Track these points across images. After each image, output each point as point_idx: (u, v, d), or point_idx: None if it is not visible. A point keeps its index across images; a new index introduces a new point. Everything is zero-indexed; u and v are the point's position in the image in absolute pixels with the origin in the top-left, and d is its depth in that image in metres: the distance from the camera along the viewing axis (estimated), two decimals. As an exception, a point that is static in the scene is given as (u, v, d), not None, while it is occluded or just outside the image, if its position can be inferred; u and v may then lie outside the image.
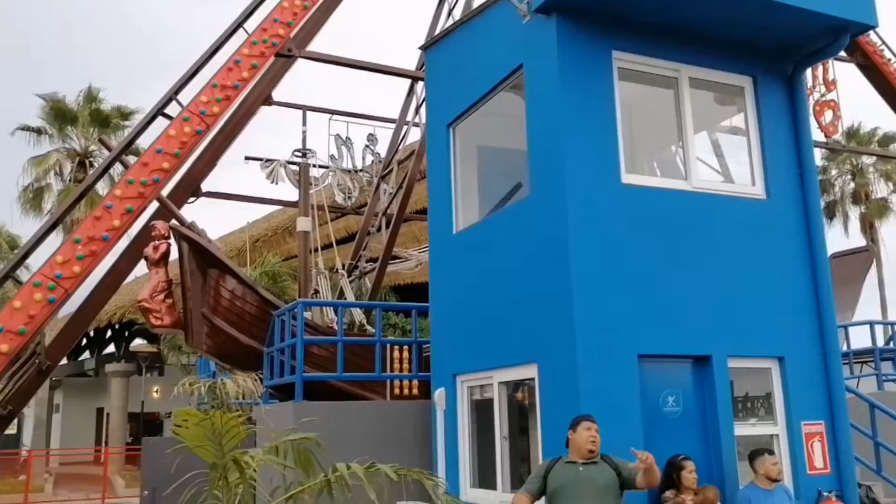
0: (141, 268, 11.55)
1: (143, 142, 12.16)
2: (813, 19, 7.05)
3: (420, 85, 14.63)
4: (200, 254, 10.24)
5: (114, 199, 10.09)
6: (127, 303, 25.91)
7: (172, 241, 10.19)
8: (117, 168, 12.40)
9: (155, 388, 36.20)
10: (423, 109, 13.60)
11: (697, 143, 7.67)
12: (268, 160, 14.86)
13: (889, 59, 16.74)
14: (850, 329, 13.93)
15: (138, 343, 34.52)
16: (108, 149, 12.16)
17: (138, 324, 26.25)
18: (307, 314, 10.97)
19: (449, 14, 15.44)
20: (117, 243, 10.43)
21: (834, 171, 38.17)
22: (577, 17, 6.83)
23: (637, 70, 7.23)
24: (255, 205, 17.35)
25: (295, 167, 14.80)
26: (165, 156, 10.33)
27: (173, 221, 10.46)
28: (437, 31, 14.94)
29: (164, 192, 10.83)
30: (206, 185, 12.19)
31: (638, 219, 6.70)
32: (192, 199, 11.81)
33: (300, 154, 14.74)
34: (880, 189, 37.71)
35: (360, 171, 16.42)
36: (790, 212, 7.48)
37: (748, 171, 7.63)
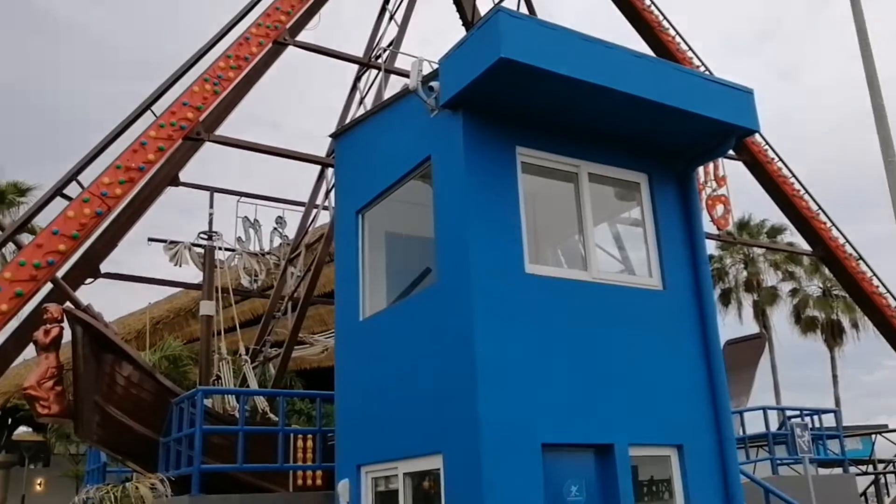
0: (29, 351, 10.95)
1: (41, 220, 11.73)
2: (701, 123, 7.54)
3: (330, 171, 14.74)
4: (95, 338, 9.82)
5: (3, 281, 9.60)
6: (11, 388, 24.34)
7: (65, 324, 9.74)
8: (10, 248, 11.86)
9: (38, 481, 33.80)
10: (332, 194, 13.67)
11: (600, 233, 7.98)
12: (172, 242, 14.54)
13: (773, 159, 17.99)
14: (745, 414, 14.42)
15: (22, 431, 32.34)
16: (1, 228, 11.65)
17: (23, 410, 24.69)
18: (207, 402, 10.58)
19: (360, 103, 15.76)
20: (4, 327, 9.88)
21: (728, 261, 40.04)
22: (482, 113, 7.09)
23: (539, 165, 7.51)
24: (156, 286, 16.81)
25: (200, 249, 14.52)
26: (62, 237, 9.96)
27: (67, 304, 10.02)
28: (348, 119, 15.21)
29: (60, 271, 10.40)
30: (105, 265, 11.77)
31: (541, 308, 6.85)
32: (89, 280, 11.35)
33: (206, 236, 14.49)
34: (770, 278, 39.72)
35: (268, 253, 16.25)
36: (685, 302, 7.80)
37: (646, 262, 7.95)
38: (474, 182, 6.93)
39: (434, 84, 7.23)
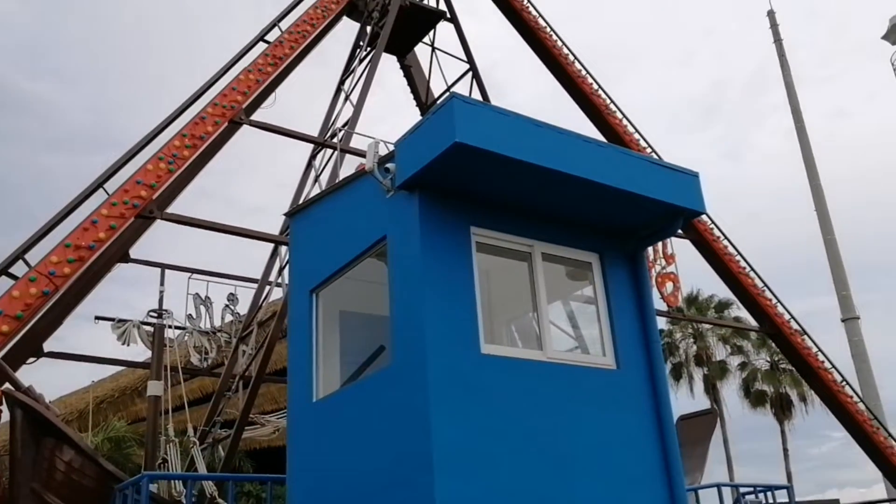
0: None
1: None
2: (650, 205, 7.75)
3: (284, 249, 14.71)
4: (35, 421, 9.46)
5: (-59, 363, 9.27)
6: (-58, 474, 23.14)
7: (4, 407, 9.39)
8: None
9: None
10: (286, 271, 13.61)
11: (554, 311, 8.06)
12: (120, 320, 14.22)
13: (718, 237, 18.50)
14: (700, 491, 14.40)
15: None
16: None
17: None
18: (153, 487, 10.20)
19: (315, 181, 15.86)
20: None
21: (678, 335, 40.62)
22: (437, 194, 7.20)
23: (494, 244, 7.62)
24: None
25: (149, 328, 14.22)
26: (6, 318, 9.69)
27: (7, 385, 9.68)
28: (303, 197, 15.28)
29: (1, 352, 10.07)
30: (48, 343, 11.44)
31: (497, 389, 6.83)
32: (31, 360, 11.01)
33: (155, 314, 14.23)
34: (720, 352, 40.33)
35: (219, 331, 16.00)
36: (639, 381, 7.85)
37: (599, 341, 8.03)
38: (430, 261, 6.98)
39: (390, 165, 7.34)
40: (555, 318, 8.12)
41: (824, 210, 28.18)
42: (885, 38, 32.67)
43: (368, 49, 18.34)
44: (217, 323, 15.98)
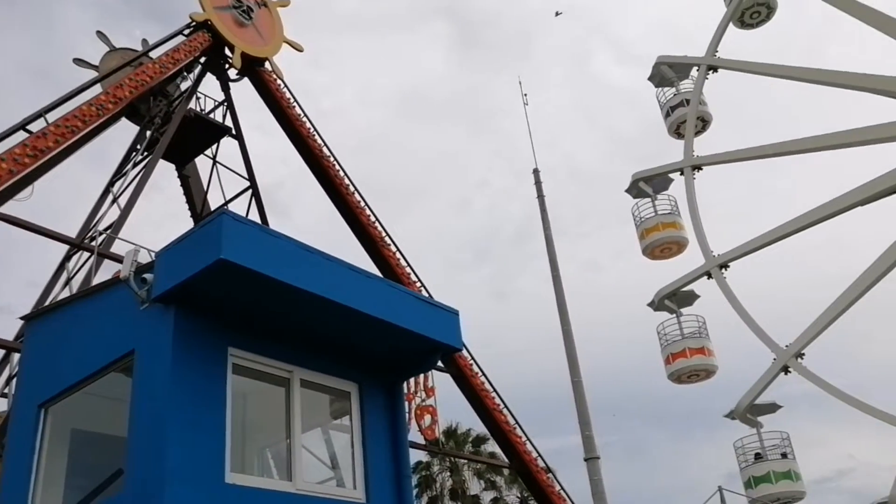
0: None
1: None
2: (410, 338, 7.97)
3: (17, 356, 13.26)
4: None
5: None
6: None
7: None
8: None
9: None
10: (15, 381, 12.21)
11: (314, 439, 7.86)
12: None
13: (477, 373, 19.28)
14: None
15: None
16: None
17: None
18: None
19: (66, 284, 14.68)
20: None
21: (436, 468, 40.95)
22: (196, 311, 6.92)
23: (252, 367, 7.39)
24: None
25: None
26: None
27: None
28: (49, 301, 14.04)
29: None
30: None
31: (239, 522, 6.45)
32: None
33: None
34: (474, 486, 41.03)
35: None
36: (387, 516, 7.77)
37: (351, 473, 7.90)
38: (179, 381, 6.60)
39: (147, 276, 6.99)
40: (315, 446, 7.93)
41: (573, 353, 30.37)
42: (627, 191, 36.60)
43: (145, 154, 17.75)
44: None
